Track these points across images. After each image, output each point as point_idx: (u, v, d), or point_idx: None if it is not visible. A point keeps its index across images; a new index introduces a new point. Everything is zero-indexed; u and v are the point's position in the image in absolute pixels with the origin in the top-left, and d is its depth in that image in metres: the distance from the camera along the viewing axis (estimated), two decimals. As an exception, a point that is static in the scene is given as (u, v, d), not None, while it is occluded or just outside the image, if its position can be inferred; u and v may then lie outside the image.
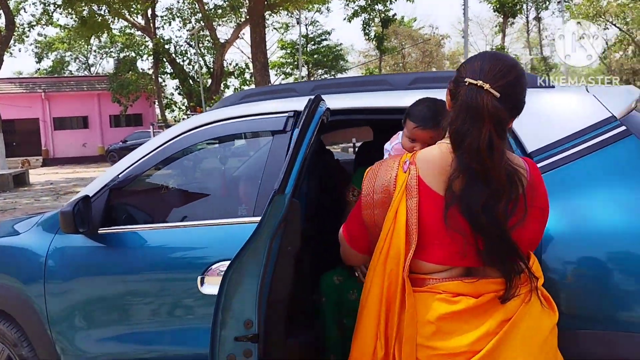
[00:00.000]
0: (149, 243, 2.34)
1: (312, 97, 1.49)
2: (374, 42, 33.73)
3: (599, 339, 1.69)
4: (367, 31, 32.03)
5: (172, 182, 2.84)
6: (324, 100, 1.87)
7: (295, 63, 37.34)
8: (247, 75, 29.50)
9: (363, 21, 31.27)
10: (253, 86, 33.39)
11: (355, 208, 1.66)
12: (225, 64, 27.82)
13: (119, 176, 2.44)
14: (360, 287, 2.36)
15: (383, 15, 31.57)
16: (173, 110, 31.30)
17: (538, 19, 37.33)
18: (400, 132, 2.03)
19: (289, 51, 37.59)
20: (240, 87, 29.01)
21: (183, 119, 29.33)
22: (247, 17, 21.87)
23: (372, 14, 31.07)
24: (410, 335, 1.45)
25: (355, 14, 28.61)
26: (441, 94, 1.67)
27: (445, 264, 1.47)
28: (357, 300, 2.36)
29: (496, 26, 36.41)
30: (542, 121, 1.93)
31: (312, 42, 37.81)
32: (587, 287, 1.71)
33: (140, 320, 2.35)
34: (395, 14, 33.18)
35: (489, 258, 1.43)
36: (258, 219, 2.12)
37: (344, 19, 28.42)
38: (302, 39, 28.54)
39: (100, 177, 2.51)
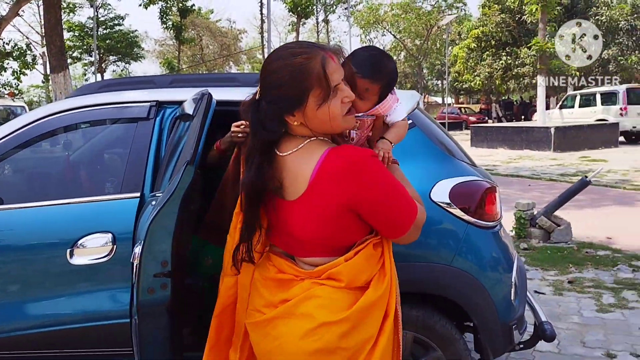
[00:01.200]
0: (15, 222, 2.43)
1: (202, 89, 1.87)
2: (171, 32, 33.06)
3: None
4: (165, 20, 31.30)
5: (36, 163, 2.90)
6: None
7: (85, 47, 34.74)
8: (29, 58, 26.63)
9: (160, 9, 30.46)
10: (37, 70, 30.19)
11: None
12: (1, 44, 24.74)
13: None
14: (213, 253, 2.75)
15: (181, 4, 31.16)
16: None
17: (326, 21, 40.41)
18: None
19: (76, 34, 34.79)
20: (21, 70, 26.00)
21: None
22: (30, -7, 19.80)
23: (169, 2, 30.44)
24: (242, 296, 1.68)
25: (151, 1, 27.69)
26: None
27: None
28: (211, 266, 2.73)
29: (289, 25, 38.44)
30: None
31: (104, 27, 35.55)
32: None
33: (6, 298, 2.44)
34: (193, 5, 32.97)
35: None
36: (126, 195, 2.45)
37: (140, 4, 27.28)
38: (94, 22, 26.70)
39: (-51, 159, 2.51)
